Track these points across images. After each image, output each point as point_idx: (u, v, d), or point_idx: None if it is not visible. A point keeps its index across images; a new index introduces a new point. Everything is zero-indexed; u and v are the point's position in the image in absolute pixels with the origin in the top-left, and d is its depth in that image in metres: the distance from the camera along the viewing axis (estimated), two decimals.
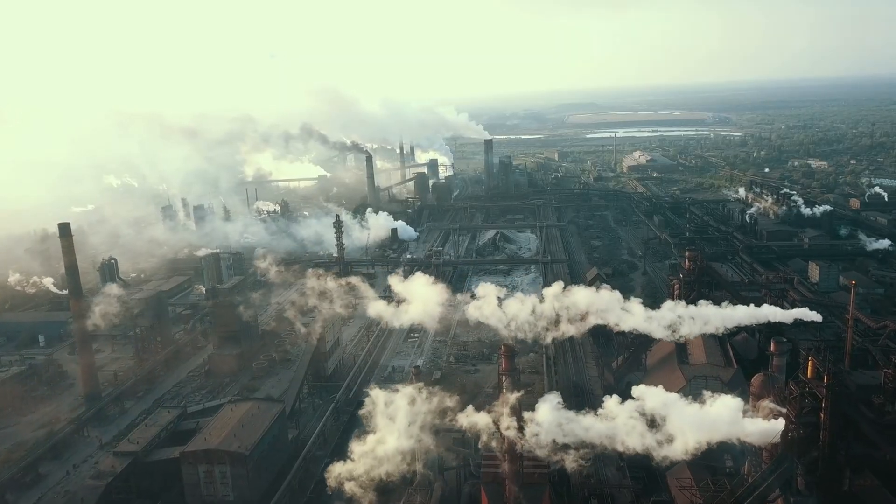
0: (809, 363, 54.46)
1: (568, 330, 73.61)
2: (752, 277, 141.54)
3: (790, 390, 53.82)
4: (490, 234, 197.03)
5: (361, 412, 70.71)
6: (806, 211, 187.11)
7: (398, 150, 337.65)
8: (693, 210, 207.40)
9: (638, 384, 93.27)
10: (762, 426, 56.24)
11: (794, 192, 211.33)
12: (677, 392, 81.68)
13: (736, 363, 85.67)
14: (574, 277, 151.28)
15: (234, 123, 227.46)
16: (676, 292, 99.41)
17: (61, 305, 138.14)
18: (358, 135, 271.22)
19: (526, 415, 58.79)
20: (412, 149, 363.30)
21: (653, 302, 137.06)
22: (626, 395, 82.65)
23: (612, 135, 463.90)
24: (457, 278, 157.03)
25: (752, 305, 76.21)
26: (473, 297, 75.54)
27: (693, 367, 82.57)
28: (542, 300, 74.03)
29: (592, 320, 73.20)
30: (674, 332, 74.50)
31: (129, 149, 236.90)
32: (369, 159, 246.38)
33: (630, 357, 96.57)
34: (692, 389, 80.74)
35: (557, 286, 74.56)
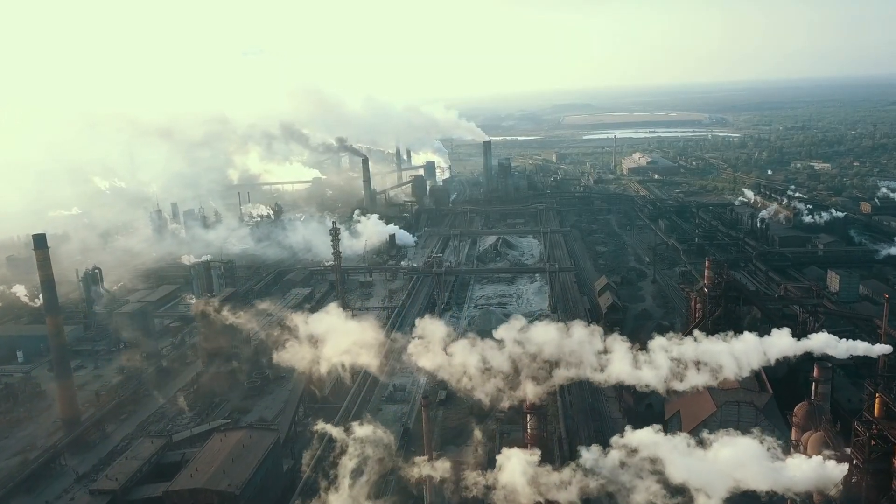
0: (877, 400, 48.01)
1: (530, 391, 64.59)
2: (766, 287, 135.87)
3: (857, 432, 47.25)
4: (491, 239, 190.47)
5: None
6: (823, 216, 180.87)
7: (393, 153, 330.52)
8: (701, 215, 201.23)
9: (661, 408, 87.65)
10: (815, 470, 49.62)
11: (805, 197, 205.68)
12: (707, 418, 76.07)
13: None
14: (582, 286, 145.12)
15: (211, 124, 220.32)
16: (697, 309, 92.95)
17: (42, 318, 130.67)
18: (345, 136, 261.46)
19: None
20: (408, 152, 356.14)
21: (665, 312, 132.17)
22: (646, 419, 76.81)
23: (612, 136, 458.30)
24: (459, 287, 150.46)
25: (784, 330, 65.20)
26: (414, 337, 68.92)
27: (724, 392, 76.06)
28: (500, 344, 64.92)
29: (564, 375, 63.80)
30: (681, 380, 63.03)
31: (109, 151, 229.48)
32: (365, 162, 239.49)
33: None
34: (723, 416, 74.56)
35: (517, 322, 65.54)
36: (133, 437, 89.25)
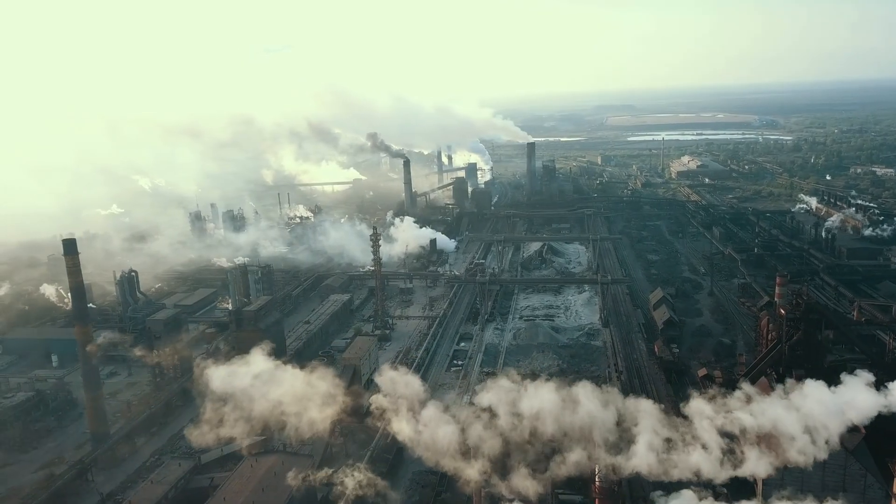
0: None
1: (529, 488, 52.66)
2: (836, 303, 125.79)
3: None
4: (535, 245, 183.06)
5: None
6: (886, 228, 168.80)
7: (426, 154, 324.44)
8: (760, 224, 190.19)
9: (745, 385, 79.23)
10: None
11: (872, 205, 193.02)
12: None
13: None
14: (634, 298, 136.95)
15: (238, 124, 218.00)
16: (770, 331, 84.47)
17: None
18: (376, 132, 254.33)
19: None
20: (449, 156, 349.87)
21: (725, 329, 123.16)
22: None
23: (660, 138, 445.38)
24: (502, 296, 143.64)
25: (863, 378, 52.92)
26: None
27: None
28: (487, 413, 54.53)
29: (568, 462, 52.00)
30: (735, 467, 50.14)
31: (143, 152, 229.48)
32: (406, 163, 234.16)
33: None
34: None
35: (508, 384, 54.93)
36: (163, 451, 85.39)
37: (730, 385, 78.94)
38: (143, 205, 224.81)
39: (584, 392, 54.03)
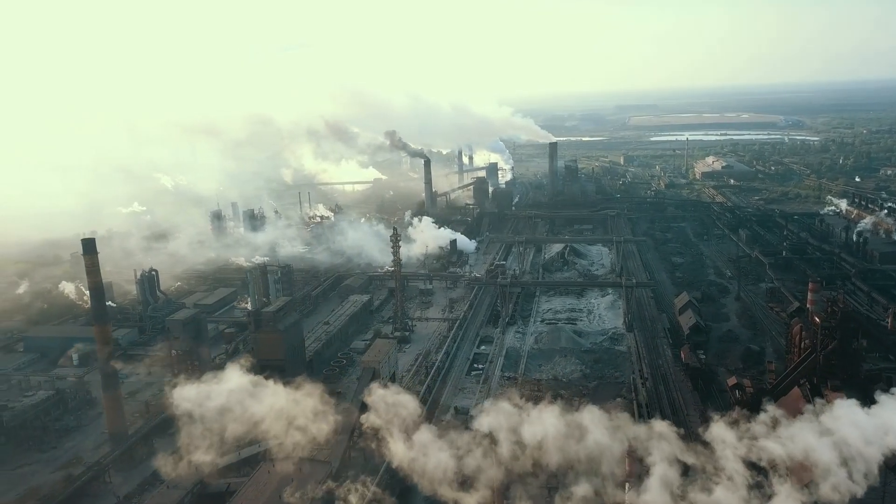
0: None
1: None
2: (870, 310, 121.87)
3: None
4: (557, 246, 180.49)
5: None
6: None
7: (445, 153, 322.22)
8: (789, 227, 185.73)
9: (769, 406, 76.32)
10: None
11: None
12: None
13: None
14: (659, 302, 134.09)
15: (255, 123, 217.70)
16: (803, 339, 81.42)
17: None
18: (394, 129, 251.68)
19: None
20: (470, 156, 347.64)
21: (753, 335, 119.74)
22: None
23: (683, 138, 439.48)
24: (524, 298, 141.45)
25: None
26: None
27: None
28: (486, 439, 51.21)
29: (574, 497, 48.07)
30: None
31: (162, 151, 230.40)
32: (427, 163, 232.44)
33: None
34: None
35: (507, 407, 51.80)
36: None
37: (760, 396, 76.41)
38: (164, 203, 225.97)
39: (592, 418, 50.64)
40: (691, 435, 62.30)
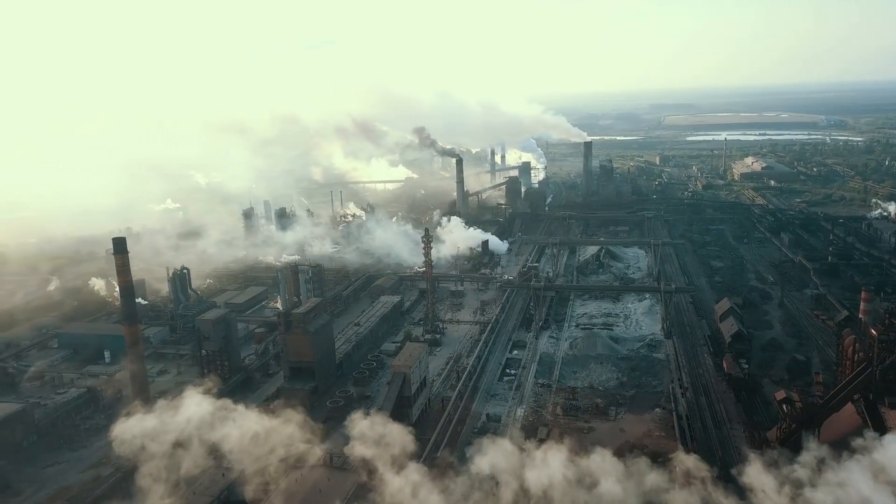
0: None
1: None
2: None
3: None
4: (592, 248, 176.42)
5: None
6: None
7: (475, 152, 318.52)
8: (835, 231, 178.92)
9: (811, 443, 72.15)
10: None
11: None
12: None
13: None
14: (698, 308, 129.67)
15: (283, 121, 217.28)
16: (857, 351, 76.90)
17: None
18: (423, 126, 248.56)
19: None
20: (503, 155, 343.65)
21: (798, 343, 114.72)
22: None
23: (721, 138, 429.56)
24: (558, 301, 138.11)
25: None
26: None
27: None
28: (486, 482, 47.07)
29: None
30: None
31: (197, 150, 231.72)
32: (459, 162, 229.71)
33: (795, 431, 74.62)
34: None
35: (507, 447, 47.78)
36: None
37: (810, 412, 72.30)
38: (197, 200, 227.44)
39: (603, 464, 46.19)
40: (725, 475, 58.41)
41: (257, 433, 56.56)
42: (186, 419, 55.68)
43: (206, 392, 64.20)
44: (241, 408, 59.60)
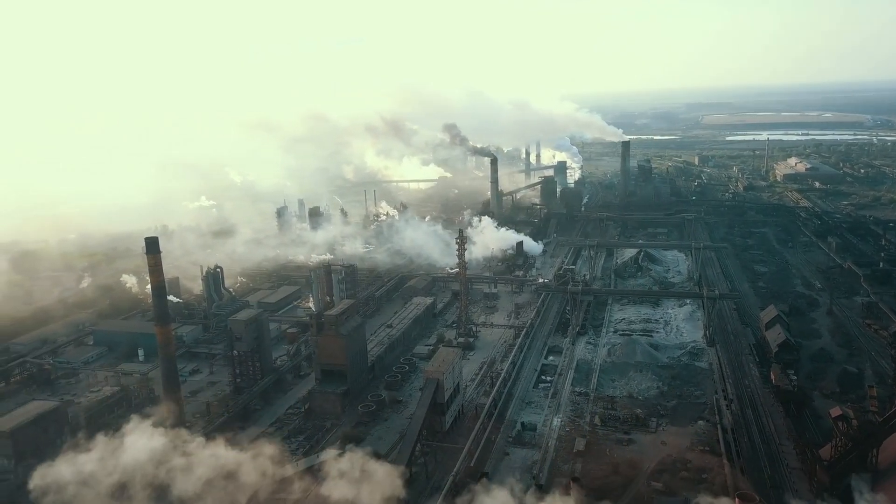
0: None
1: None
2: None
3: None
4: (630, 251, 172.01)
5: None
6: None
7: (507, 151, 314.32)
8: (887, 236, 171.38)
9: (865, 493, 68.43)
10: None
11: None
12: None
13: None
14: (742, 315, 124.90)
15: (313, 119, 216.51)
16: None
17: None
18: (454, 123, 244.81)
19: None
20: (538, 154, 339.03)
21: (848, 354, 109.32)
22: None
23: (762, 138, 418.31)
24: (595, 306, 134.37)
25: None
26: None
27: None
28: None
29: None
30: None
31: (230, 149, 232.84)
32: (494, 161, 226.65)
33: (851, 451, 70.15)
34: None
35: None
36: None
37: (868, 431, 67.99)
38: (231, 198, 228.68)
39: None
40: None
41: (219, 471, 50.37)
42: (131, 459, 48.60)
43: (159, 424, 55.75)
44: (198, 440, 52.79)
